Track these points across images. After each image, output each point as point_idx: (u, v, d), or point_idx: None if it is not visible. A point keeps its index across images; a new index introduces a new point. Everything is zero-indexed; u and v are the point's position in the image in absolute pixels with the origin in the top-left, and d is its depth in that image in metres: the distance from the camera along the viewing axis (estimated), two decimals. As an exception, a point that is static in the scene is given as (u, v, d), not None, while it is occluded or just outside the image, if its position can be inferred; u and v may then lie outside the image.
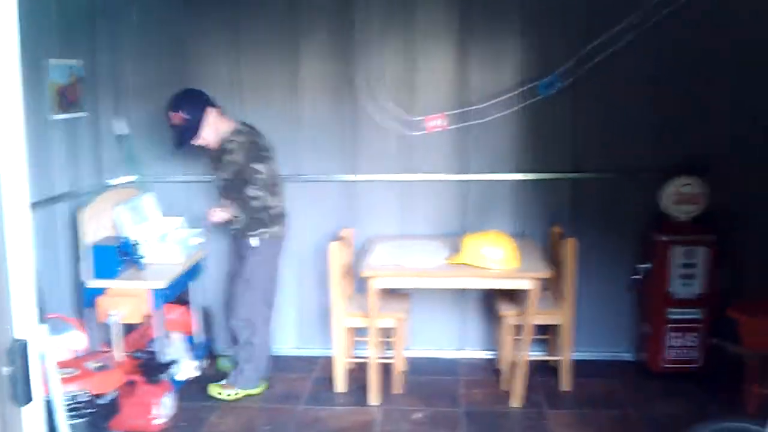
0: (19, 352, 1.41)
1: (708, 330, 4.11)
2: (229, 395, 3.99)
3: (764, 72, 4.08)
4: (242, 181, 3.81)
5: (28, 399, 1.42)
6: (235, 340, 4.06)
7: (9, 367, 1.39)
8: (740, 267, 4.13)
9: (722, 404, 3.83)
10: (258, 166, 3.81)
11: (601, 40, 4.09)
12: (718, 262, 4.07)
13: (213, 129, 3.86)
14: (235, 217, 3.87)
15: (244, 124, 3.95)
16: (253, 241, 3.91)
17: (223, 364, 4.29)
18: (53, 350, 1.84)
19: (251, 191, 3.80)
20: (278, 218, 3.97)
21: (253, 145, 3.86)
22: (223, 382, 4.04)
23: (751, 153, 4.14)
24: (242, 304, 3.98)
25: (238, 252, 4.07)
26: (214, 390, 4.02)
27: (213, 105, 3.87)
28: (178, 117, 3.80)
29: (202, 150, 3.98)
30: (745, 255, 4.16)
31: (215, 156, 3.95)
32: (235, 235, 4.02)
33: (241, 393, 4.01)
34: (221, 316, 4.48)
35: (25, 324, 1.43)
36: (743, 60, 4.09)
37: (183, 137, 3.84)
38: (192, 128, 3.81)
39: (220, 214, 3.90)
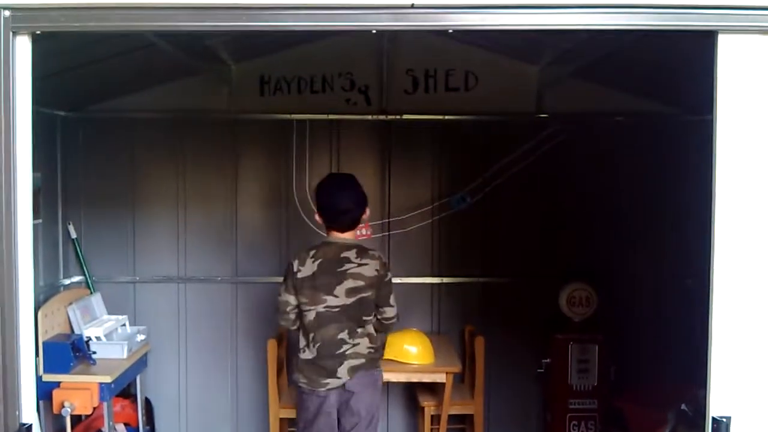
0: (25, 433, 1.81)
1: (601, 418, 4.63)
2: None
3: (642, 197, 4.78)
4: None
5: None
6: None
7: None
8: (624, 362, 4.65)
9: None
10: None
11: (500, 165, 4.75)
12: (607, 357, 4.62)
13: None
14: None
15: None
16: None
17: None
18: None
19: (389, 311, 3.49)
20: None
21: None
22: None
23: (629, 264, 4.78)
24: None
25: None
26: None
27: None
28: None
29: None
30: (628, 351, 4.70)
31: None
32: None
33: None
34: (163, 407, 4.76)
35: (28, 410, 1.84)
36: (619, 187, 4.77)
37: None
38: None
39: None
